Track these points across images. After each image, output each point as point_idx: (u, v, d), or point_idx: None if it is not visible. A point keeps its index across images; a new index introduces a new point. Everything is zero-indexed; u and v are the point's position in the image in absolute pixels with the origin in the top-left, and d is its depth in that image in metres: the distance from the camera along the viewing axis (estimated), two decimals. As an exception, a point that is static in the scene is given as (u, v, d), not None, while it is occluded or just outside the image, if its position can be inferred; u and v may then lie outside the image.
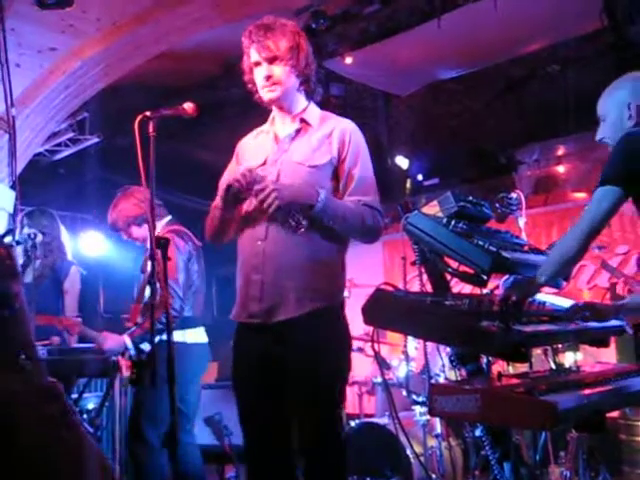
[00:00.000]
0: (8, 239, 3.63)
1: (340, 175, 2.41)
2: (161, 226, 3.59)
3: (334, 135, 2.42)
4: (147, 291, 3.41)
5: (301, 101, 2.49)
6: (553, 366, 2.86)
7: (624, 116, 2.33)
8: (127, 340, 3.38)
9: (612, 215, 2.13)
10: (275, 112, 2.52)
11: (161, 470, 3.36)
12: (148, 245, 3.60)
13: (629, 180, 2.12)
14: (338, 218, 2.32)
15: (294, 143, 2.44)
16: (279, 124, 2.51)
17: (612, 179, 2.13)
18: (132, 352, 3.41)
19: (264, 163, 2.44)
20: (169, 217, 3.68)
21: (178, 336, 3.40)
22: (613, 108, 2.37)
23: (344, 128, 2.45)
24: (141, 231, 3.60)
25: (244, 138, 2.62)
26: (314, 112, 2.51)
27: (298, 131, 2.46)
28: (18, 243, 3.76)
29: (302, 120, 2.46)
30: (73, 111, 5.31)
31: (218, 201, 2.44)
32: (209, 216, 2.51)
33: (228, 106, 6.09)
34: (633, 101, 2.32)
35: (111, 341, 3.42)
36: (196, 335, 3.59)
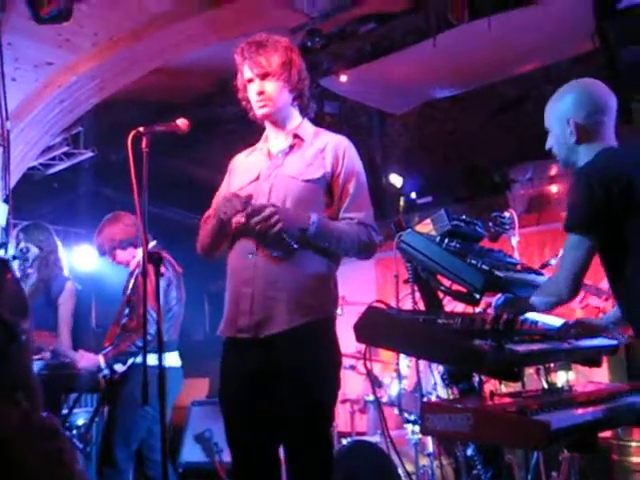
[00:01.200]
0: (0, 252, 3.62)
1: (334, 191, 2.41)
2: None
3: (328, 150, 2.42)
4: (125, 313, 3.43)
5: (295, 117, 2.50)
6: (545, 385, 2.86)
7: (566, 132, 2.32)
8: (101, 360, 3.43)
9: (589, 262, 2.15)
10: (269, 128, 2.53)
11: None
12: (131, 268, 3.63)
13: (592, 231, 2.14)
14: (332, 240, 2.32)
15: (287, 158, 2.44)
16: (273, 140, 2.51)
17: (577, 227, 2.15)
18: (105, 372, 3.43)
19: (257, 178, 2.44)
20: (154, 242, 3.70)
21: (152, 359, 3.42)
22: (556, 122, 2.37)
23: (338, 143, 2.45)
24: (125, 255, 3.64)
25: (237, 155, 2.62)
26: (308, 128, 2.51)
27: (292, 147, 2.46)
28: (15, 258, 3.75)
29: (295, 136, 2.47)
30: (68, 125, 5.31)
31: (212, 214, 2.43)
32: (202, 230, 2.50)
33: (223, 123, 6.11)
34: (572, 117, 2.30)
35: (85, 360, 3.48)
36: (169, 359, 3.58)
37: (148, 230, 2.31)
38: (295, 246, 2.28)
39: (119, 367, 3.42)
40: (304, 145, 2.46)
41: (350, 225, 2.36)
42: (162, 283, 3.44)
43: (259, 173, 2.45)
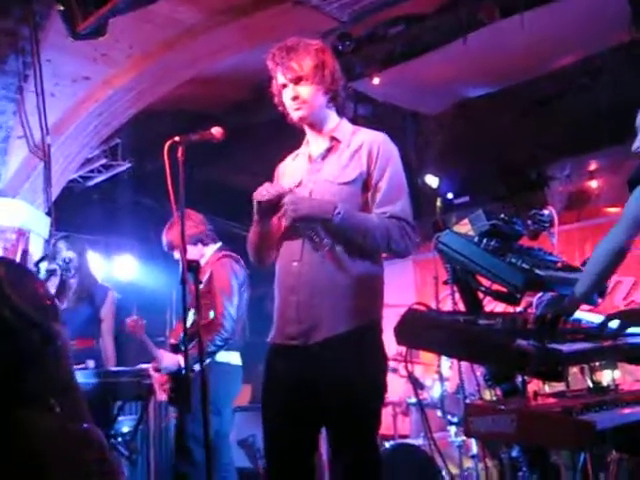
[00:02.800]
0: (44, 265, 3.71)
1: (369, 188, 2.40)
2: (213, 251, 3.70)
3: (363, 148, 2.42)
4: (191, 314, 3.48)
5: (332, 118, 2.49)
6: (590, 385, 2.80)
7: None
8: (181, 360, 3.46)
9: None
10: (307, 132, 2.53)
11: None
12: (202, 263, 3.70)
13: None
14: (360, 232, 2.30)
15: (325, 162, 2.45)
16: (313, 144, 2.52)
17: None
18: (184, 372, 3.49)
19: (299, 184, 2.45)
20: (220, 243, 3.77)
21: (224, 356, 3.49)
22: None
23: (373, 141, 2.43)
24: (194, 251, 3.69)
25: (283, 161, 2.63)
26: (345, 128, 2.50)
27: (329, 149, 2.46)
28: (61, 268, 3.87)
29: (332, 138, 2.46)
30: (105, 138, 5.40)
31: (254, 221, 2.45)
32: (249, 239, 2.51)
33: (260, 129, 6.14)
34: None
35: (167, 360, 3.55)
36: (234, 358, 3.68)
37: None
38: (326, 240, 2.29)
39: (197, 367, 3.48)
40: (341, 147, 2.45)
41: (381, 219, 2.33)
42: (238, 282, 3.59)
43: (301, 178, 2.46)
